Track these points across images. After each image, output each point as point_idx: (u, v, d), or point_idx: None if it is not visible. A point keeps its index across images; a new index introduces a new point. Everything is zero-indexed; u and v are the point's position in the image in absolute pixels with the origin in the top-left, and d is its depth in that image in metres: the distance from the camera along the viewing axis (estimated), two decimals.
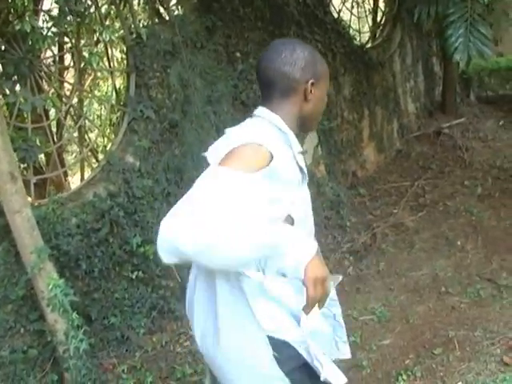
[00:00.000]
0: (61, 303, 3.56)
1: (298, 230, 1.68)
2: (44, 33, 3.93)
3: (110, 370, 4.12)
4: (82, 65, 4.40)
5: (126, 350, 4.32)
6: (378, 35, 8.10)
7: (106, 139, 5.77)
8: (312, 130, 2.12)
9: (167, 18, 4.98)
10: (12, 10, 3.55)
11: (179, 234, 1.46)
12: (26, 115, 4.15)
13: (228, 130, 1.92)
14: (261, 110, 1.92)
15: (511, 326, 4.05)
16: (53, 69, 4.40)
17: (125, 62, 5.01)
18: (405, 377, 3.70)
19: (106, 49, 5.02)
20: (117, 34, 4.31)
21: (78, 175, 6.46)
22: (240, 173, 1.60)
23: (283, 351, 1.86)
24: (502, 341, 3.91)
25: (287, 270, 1.62)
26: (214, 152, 1.81)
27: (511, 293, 4.48)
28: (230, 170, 1.60)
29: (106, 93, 5.48)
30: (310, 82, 1.90)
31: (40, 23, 4.16)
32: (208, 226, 1.46)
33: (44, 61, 4.45)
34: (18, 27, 3.46)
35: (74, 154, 7.01)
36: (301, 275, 1.59)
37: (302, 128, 1.98)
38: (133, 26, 4.53)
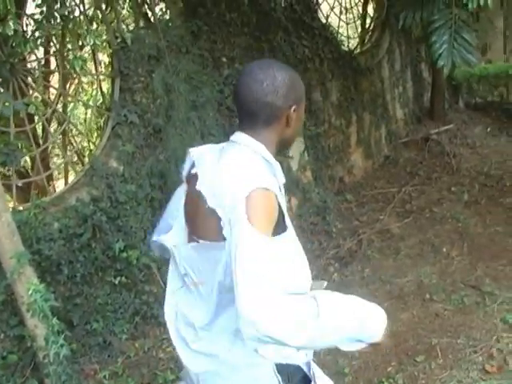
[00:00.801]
0: (41, 308, 3.52)
1: (368, 302, 1.77)
2: (27, 36, 3.92)
3: (91, 375, 4.10)
4: (66, 69, 4.38)
5: (108, 356, 4.30)
6: (366, 41, 8.12)
7: (91, 144, 5.75)
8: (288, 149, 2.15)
9: (154, 21, 4.96)
10: None
11: (280, 331, 1.52)
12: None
13: (214, 159, 1.86)
14: (242, 137, 1.84)
15: (493, 333, 4.05)
16: (37, 73, 4.36)
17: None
18: None
19: (93, 53, 4.99)
20: (101, 39, 4.26)
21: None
22: (276, 239, 1.70)
23: (295, 375, 1.91)
24: (484, 348, 3.91)
25: (362, 338, 1.72)
26: (214, 193, 1.74)
27: (494, 300, 4.48)
28: (262, 235, 1.60)
29: (91, 97, 5.46)
30: (293, 108, 1.85)
31: (25, 27, 4.16)
32: (305, 323, 1.55)
33: (29, 64, 4.43)
34: None
35: (61, 159, 6.98)
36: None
37: (279, 150, 1.92)
38: (118, 30, 4.50)
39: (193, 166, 1.94)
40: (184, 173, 2.02)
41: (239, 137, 1.85)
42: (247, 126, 1.85)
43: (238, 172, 1.74)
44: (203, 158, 1.91)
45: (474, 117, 9.27)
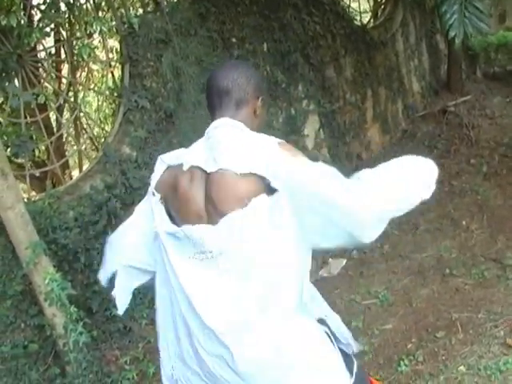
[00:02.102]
0: (58, 297, 3.56)
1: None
2: (34, 26, 3.92)
3: (112, 361, 4.14)
4: (74, 57, 4.37)
5: (129, 342, 4.33)
6: (379, 14, 8.00)
7: (104, 131, 5.76)
8: None
9: (161, 5, 4.92)
10: None
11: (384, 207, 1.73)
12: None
13: (210, 145, 1.85)
14: (224, 121, 1.88)
15: None
16: (46, 63, 4.36)
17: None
18: (407, 361, 3.67)
19: (103, 40, 4.97)
20: (108, 25, 4.23)
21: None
22: None
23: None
24: (505, 323, 3.85)
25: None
26: (240, 162, 1.76)
27: None
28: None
29: (102, 84, 5.46)
30: (260, 99, 1.96)
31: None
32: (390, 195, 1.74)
33: (38, 54, 4.43)
34: (4, 22, 3.43)
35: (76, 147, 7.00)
36: None
37: None
38: (125, 15, 4.48)
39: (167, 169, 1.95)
40: (153, 182, 1.99)
41: (219, 122, 1.89)
42: (221, 110, 1.91)
43: (253, 138, 1.83)
44: (190, 153, 1.89)
45: (492, 87, 9.11)
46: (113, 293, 2.14)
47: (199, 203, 1.83)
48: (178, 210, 1.90)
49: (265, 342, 1.80)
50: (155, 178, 1.97)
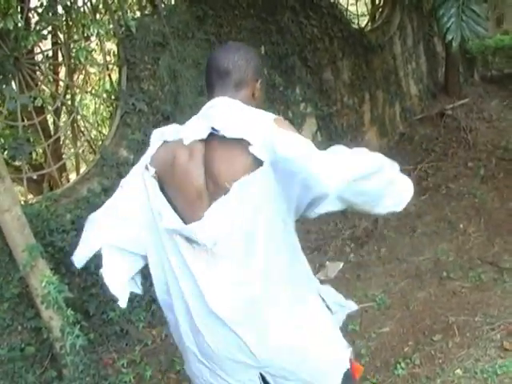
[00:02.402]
0: (55, 300, 3.55)
1: None
2: (31, 29, 3.92)
3: (109, 364, 4.13)
4: (72, 60, 4.37)
5: (126, 344, 4.32)
6: (377, 18, 8.01)
7: (102, 134, 5.77)
8: None
9: (158, 8, 4.93)
10: None
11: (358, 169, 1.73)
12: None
13: (207, 118, 1.81)
14: (222, 99, 1.86)
15: None
16: (43, 65, 4.36)
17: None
18: (403, 365, 3.67)
19: (100, 43, 4.98)
20: (106, 28, 4.24)
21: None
22: None
23: None
24: (502, 326, 3.86)
25: None
26: (239, 130, 1.73)
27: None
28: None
29: (99, 87, 5.46)
30: (259, 81, 1.97)
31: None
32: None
33: (36, 57, 4.43)
34: (1, 25, 3.43)
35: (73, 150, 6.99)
36: None
37: None
38: (122, 18, 4.48)
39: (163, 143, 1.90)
40: (148, 156, 1.92)
41: (217, 100, 1.87)
42: (220, 90, 1.89)
43: (249, 110, 1.82)
44: (188, 129, 1.84)
45: (490, 90, 9.12)
46: (101, 273, 2.02)
47: (199, 179, 1.80)
48: (174, 187, 1.85)
49: (278, 323, 1.81)
50: (150, 152, 1.92)
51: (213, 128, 1.75)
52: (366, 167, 1.75)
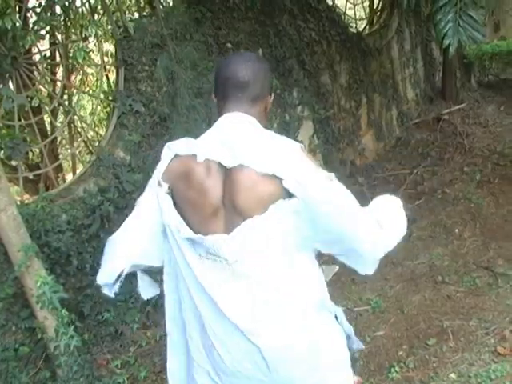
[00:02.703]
0: (49, 300, 3.55)
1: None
2: (29, 29, 3.92)
3: (103, 365, 4.12)
4: (69, 60, 4.38)
5: (120, 346, 4.32)
6: (374, 22, 8.02)
7: (99, 135, 5.78)
8: None
9: (156, 10, 4.94)
10: None
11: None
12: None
13: (226, 138, 1.81)
14: (239, 116, 1.85)
15: (506, 315, 4.01)
16: (41, 65, 4.36)
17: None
18: (397, 368, 3.68)
19: (98, 43, 4.98)
20: (104, 29, 4.24)
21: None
22: None
23: None
24: (496, 330, 3.87)
25: None
26: (261, 161, 1.73)
27: (507, 281, 4.44)
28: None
29: (97, 88, 5.46)
30: (273, 95, 1.96)
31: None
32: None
33: (33, 57, 4.42)
34: None
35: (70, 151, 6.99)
36: None
37: None
38: (120, 19, 4.48)
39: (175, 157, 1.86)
40: (160, 171, 1.88)
41: (234, 115, 1.85)
42: (235, 103, 1.86)
43: (274, 139, 1.82)
44: (203, 145, 1.82)
45: (486, 95, 9.15)
46: (138, 291, 2.08)
47: (216, 197, 1.77)
48: (187, 201, 1.83)
49: (293, 338, 1.81)
50: (162, 166, 1.87)
51: (241, 164, 1.73)
52: (400, 235, 2.01)
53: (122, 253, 2.00)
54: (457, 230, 5.49)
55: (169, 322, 2.03)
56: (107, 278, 2.02)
